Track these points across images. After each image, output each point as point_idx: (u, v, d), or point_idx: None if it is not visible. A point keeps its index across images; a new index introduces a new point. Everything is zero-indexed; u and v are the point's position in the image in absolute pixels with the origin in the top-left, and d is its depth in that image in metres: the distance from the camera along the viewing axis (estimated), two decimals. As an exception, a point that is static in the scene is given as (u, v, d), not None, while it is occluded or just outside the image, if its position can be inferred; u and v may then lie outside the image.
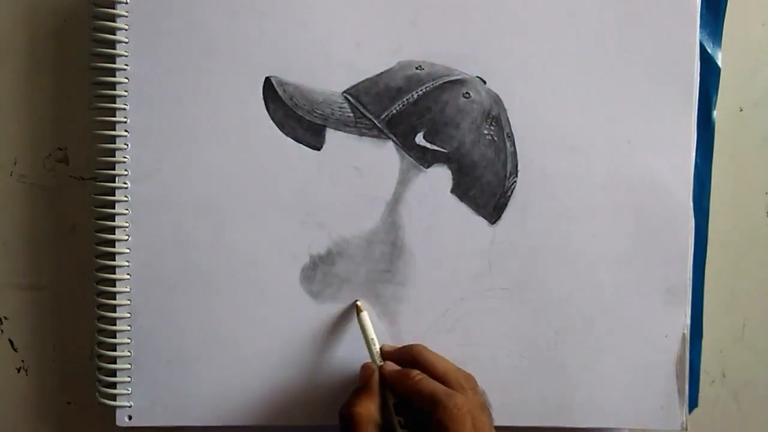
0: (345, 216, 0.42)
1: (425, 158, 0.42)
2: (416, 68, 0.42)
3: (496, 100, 0.42)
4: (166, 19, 0.41)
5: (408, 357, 0.39)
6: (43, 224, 0.45)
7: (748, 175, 0.47)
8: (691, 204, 0.42)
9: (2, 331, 0.45)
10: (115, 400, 0.42)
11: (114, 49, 0.41)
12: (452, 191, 0.42)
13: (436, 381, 0.37)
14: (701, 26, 0.42)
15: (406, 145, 0.42)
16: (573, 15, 0.42)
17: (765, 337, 0.48)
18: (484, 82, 0.42)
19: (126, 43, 0.41)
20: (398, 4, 0.41)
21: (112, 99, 0.41)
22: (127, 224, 0.41)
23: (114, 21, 0.40)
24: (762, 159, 0.47)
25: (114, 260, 0.41)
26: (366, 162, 0.41)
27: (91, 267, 0.42)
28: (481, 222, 0.42)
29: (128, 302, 0.41)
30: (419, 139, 0.42)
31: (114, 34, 0.40)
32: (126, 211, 0.41)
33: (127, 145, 0.41)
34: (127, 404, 0.42)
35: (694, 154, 0.42)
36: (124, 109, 0.41)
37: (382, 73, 0.42)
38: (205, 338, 0.41)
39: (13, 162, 0.44)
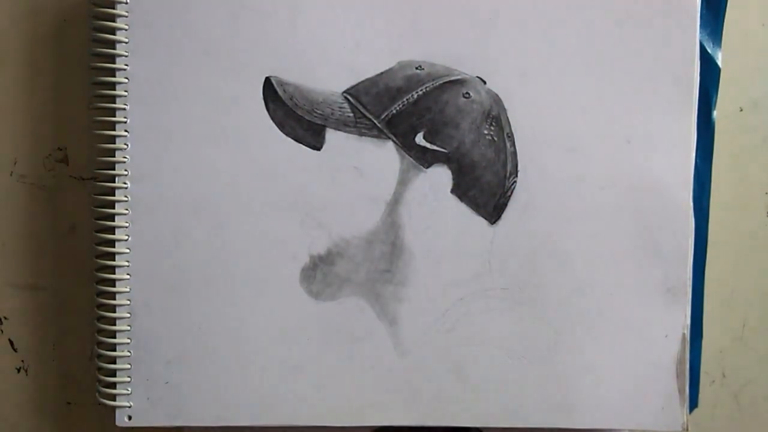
0: (345, 216, 0.42)
1: (425, 158, 0.42)
2: (416, 68, 0.42)
3: (496, 100, 0.42)
4: (166, 19, 0.41)
5: None
6: (43, 224, 0.45)
7: (748, 175, 0.47)
8: (691, 204, 0.42)
9: (2, 331, 0.45)
10: (115, 400, 0.42)
11: (114, 49, 0.41)
12: (452, 191, 0.42)
13: None
14: (701, 26, 0.42)
15: (406, 145, 0.42)
16: (573, 15, 0.42)
17: (765, 337, 0.48)
18: (484, 82, 0.42)
19: (126, 43, 0.41)
20: (398, 4, 0.41)
21: (112, 99, 0.41)
22: (127, 224, 0.41)
23: (114, 21, 0.40)
24: (762, 159, 0.47)
25: (114, 260, 0.41)
26: (366, 162, 0.41)
27: (91, 267, 0.42)
28: (481, 222, 0.42)
29: (128, 302, 0.41)
30: (419, 139, 0.42)
31: (114, 34, 0.40)
32: (126, 211, 0.41)
33: (127, 145, 0.41)
34: (127, 404, 0.42)
35: (694, 154, 0.42)
36: (124, 109, 0.41)
37: (382, 73, 0.42)
38: (205, 338, 0.42)
39: (13, 162, 0.45)
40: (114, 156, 0.41)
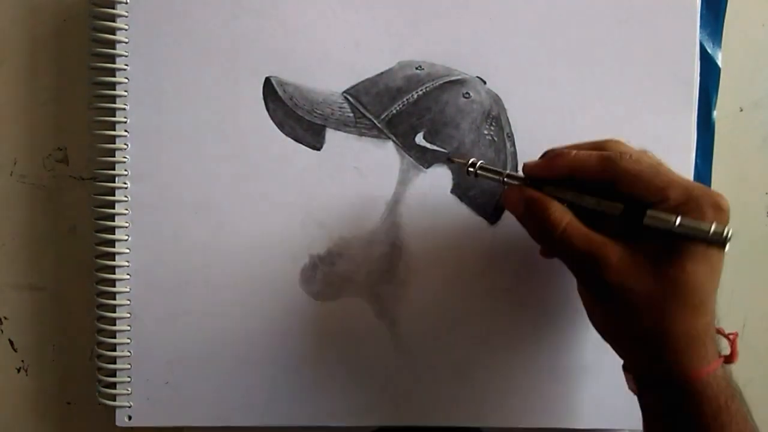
0: (345, 216, 0.42)
1: (425, 158, 0.42)
2: (416, 68, 0.42)
3: (496, 100, 0.42)
4: (165, 19, 0.41)
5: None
6: (43, 224, 0.45)
7: (748, 175, 0.47)
8: (691, 204, 0.42)
9: (2, 331, 0.45)
10: (115, 400, 0.42)
11: (114, 49, 0.41)
12: (452, 191, 0.42)
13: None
14: (701, 26, 0.42)
15: (406, 145, 0.42)
16: (573, 15, 0.42)
17: (765, 337, 0.48)
18: (484, 82, 0.42)
19: (126, 43, 0.41)
20: (398, 4, 0.41)
21: (112, 99, 0.41)
22: (127, 224, 0.41)
23: (114, 21, 0.40)
24: (762, 159, 0.47)
25: (114, 260, 0.41)
26: (366, 162, 0.41)
27: (91, 267, 0.42)
28: (481, 222, 0.42)
29: (128, 302, 0.41)
30: (419, 139, 0.42)
31: (114, 34, 0.40)
32: (126, 211, 0.41)
33: (127, 145, 0.41)
34: (127, 404, 0.42)
35: (694, 154, 0.42)
36: (124, 109, 0.41)
37: (382, 73, 0.42)
38: (205, 338, 0.41)
39: (13, 162, 0.44)
40: (114, 156, 0.41)
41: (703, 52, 0.44)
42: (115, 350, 0.41)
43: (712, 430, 0.31)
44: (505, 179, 0.36)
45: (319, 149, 0.41)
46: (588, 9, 0.42)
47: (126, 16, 0.41)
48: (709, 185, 0.45)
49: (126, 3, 0.40)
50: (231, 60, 0.41)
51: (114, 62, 0.41)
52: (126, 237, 0.41)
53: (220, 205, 0.41)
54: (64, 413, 0.46)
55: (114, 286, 0.41)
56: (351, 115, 0.41)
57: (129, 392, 0.41)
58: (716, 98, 0.45)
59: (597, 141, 0.36)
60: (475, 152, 0.42)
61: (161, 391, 0.42)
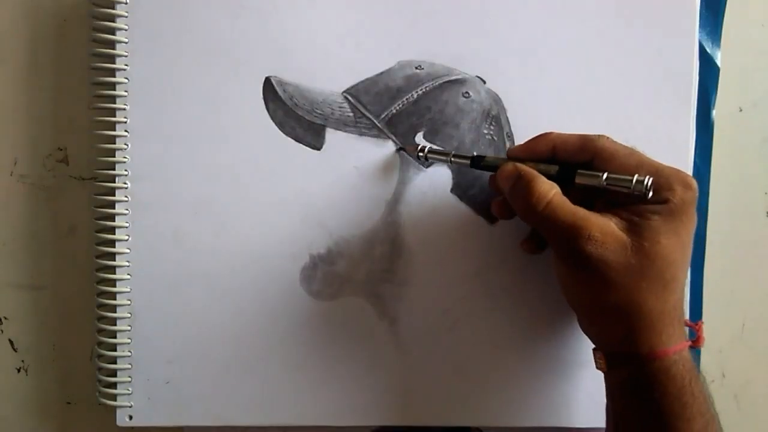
0: (345, 216, 0.42)
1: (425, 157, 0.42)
2: (416, 68, 0.42)
3: (496, 100, 0.42)
4: (166, 19, 0.41)
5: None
6: (43, 224, 0.45)
7: (748, 175, 0.47)
8: (691, 204, 0.42)
9: (2, 331, 0.45)
10: (115, 400, 0.42)
11: (114, 49, 0.41)
12: (452, 191, 0.42)
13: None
14: (701, 26, 0.42)
15: (406, 144, 0.42)
16: (573, 15, 0.42)
17: (765, 337, 0.48)
18: (484, 82, 0.42)
19: (126, 43, 0.41)
20: (398, 4, 0.41)
21: (112, 99, 0.41)
22: (127, 224, 0.41)
23: (114, 21, 0.40)
24: (762, 159, 0.47)
25: (114, 260, 0.41)
26: (366, 162, 0.41)
27: (91, 267, 0.42)
28: (480, 221, 0.42)
29: (128, 302, 0.41)
30: (419, 138, 0.42)
31: (114, 34, 0.40)
32: (126, 211, 0.41)
33: (127, 145, 0.41)
34: (127, 404, 0.42)
35: (693, 154, 0.42)
36: (124, 109, 0.41)
37: (382, 72, 0.42)
38: (205, 338, 0.42)
39: (13, 162, 0.44)
40: (114, 156, 0.41)
41: (703, 52, 0.44)
42: (115, 350, 0.41)
43: (675, 408, 0.33)
44: (452, 159, 0.39)
45: (319, 149, 0.41)
46: (587, 9, 0.42)
47: (126, 16, 0.41)
48: (708, 185, 0.45)
49: (126, 3, 0.40)
50: (231, 60, 0.41)
51: (114, 62, 0.41)
52: (126, 237, 0.41)
53: (220, 205, 0.41)
54: (64, 413, 0.46)
55: (114, 286, 0.41)
56: (351, 114, 0.41)
57: (129, 392, 0.41)
58: (715, 98, 0.45)
59: (585, 135, 0.37)
60: (475, 151, 0.42)
61: (162, 390, 0.42)
